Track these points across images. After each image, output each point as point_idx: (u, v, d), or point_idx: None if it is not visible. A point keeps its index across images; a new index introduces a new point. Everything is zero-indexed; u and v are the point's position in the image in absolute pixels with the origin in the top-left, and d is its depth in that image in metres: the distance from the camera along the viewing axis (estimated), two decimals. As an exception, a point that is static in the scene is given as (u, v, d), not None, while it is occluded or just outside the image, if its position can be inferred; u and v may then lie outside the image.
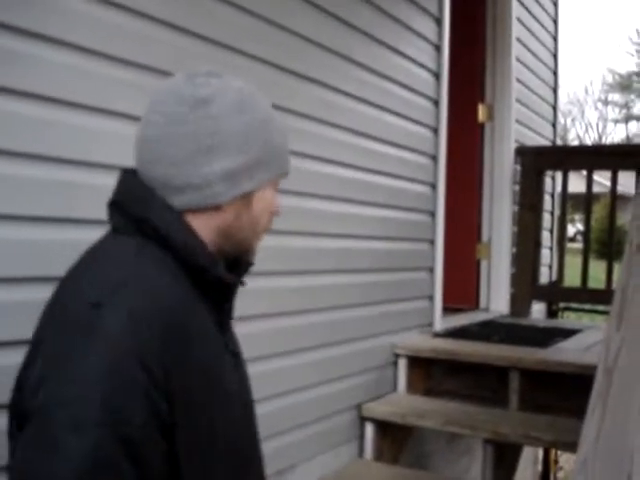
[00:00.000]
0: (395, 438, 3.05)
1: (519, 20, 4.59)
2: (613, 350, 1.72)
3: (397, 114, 3.12)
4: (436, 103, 3.43)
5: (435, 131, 3.43)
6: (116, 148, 1.71)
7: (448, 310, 3.93)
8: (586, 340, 3.44)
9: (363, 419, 2.94)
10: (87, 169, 1.74)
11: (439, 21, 3.45)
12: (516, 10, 4.50)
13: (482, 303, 4.41)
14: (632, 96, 37.27)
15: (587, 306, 5.38)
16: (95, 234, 1.17)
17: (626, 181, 5.08)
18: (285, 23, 2.42)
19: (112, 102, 1.80)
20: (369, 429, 2.94)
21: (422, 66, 3.32)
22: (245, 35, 2.25)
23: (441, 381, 3.24)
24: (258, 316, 2.36)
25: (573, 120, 39.21)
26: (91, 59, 1.74)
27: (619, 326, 1.77)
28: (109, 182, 1.21)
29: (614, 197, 4.37)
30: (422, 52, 3.32)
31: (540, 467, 5.51)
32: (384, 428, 2.97)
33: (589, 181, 4.27)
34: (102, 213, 1.17)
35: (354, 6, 2.81)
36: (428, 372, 3.24)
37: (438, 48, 3.45)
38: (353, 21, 2.79)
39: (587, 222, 4.47)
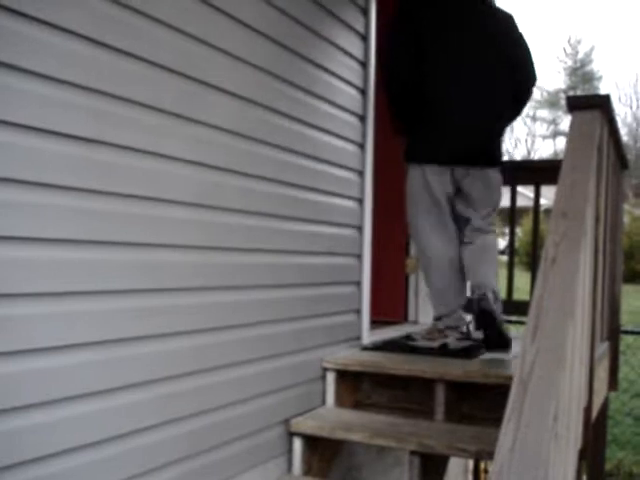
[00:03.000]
0: (324, 452, 3.06)
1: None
2: (528, 361, 1.76)
3: (323, 130, 3.14)
4: (362, 119, 3.48)
5: (362, 147, 3.47)
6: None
7: (377, 323, 3.96)
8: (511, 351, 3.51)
9: (291, 434, 2.94)
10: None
11: (365, 38, 3.50)
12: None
13: (411, 316, 4.47)
14: (559, 112, 38.36)
15: (514, 317, 5.49)
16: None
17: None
18: (211, 40, 2.43)
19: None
20: (297, 444, 2.94)
21: (348, 83, 3.36)
22: (170, 51, 2.25)
23: (369, 394, 3.27)
24: (186, 332, 2.35)
25: (503, 135, 40.04)
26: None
27: (534, 338, 1.82)
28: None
29: (537, 211, 4.49)
30: (348, 69, 3.36)
31: (471, 477, 5.59)
32: (313, 442, 2.98)
33: (513, 196, 4.38)
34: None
35: (281, 22, 2.83)
36: (356, 385, 3.27)
37: (364, 65, 3.49)
38: (280, 38, 2.81)
39: (511, 236, 4.58)
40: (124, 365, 2.10)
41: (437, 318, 3.52)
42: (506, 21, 3.45)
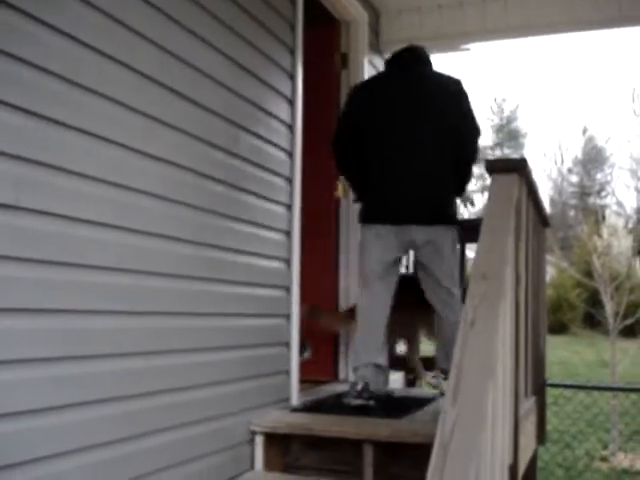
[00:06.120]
0: (253, 518, 3.01)
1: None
2: (449, 424, 1.79)
3: (252, 192, 3.17)
4: (290, 181, 3.52)
5: (289, 207, 3.51)
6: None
7: (307, 383, 3.95)
8: (439, 409, 3.53)
9: (219, 501, 2.89)
10: None
11: (292, 102, 3.56)
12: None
13: (341, 374, 4.47)
14: (487, 167, 39.24)
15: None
16: None
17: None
18: (142, 108, 2.44)
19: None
20: (225, 510, 2.89)
21: (276, 145, 3.40)
22: (93, 117, 2.25)
23: (299, 456, 3.23)
24: (105, 400, 2.30)
25: (434, 190, 40.73)
26: None
27: (454, 402, 1.85)
28: None
29: (463, 268, 4.57)
30: (276, 132, 3.41)
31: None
32: (241, 508, 2.92)
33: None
34: None
35: (214, 91, 2.87)
36: (286, 448, 3.23)
37: (291, 128, 3.55)
38: (210, 104, 2.84)
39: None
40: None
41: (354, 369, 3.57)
42: (455, 92, 3.60)
